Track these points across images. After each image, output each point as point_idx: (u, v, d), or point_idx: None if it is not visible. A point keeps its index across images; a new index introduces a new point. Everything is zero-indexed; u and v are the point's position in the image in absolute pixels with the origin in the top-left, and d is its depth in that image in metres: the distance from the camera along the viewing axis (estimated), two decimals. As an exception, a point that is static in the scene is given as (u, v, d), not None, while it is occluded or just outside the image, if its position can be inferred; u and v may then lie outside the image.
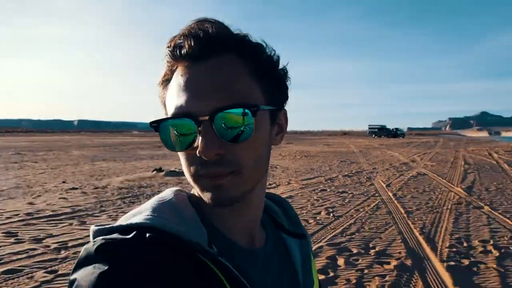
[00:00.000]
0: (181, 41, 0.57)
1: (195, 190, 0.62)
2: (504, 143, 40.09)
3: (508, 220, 6.60)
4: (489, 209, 7.55)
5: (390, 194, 9.00)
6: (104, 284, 0.48)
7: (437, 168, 14.51)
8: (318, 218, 6.72)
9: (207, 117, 0.54)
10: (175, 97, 0.57)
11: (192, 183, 0.59)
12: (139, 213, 0.59)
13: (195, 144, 0.56)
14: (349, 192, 9.34)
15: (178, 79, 0.58)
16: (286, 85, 0.65)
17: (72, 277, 0.51)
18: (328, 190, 9.61)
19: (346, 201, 8.25)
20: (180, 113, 0.56)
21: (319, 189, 9.68)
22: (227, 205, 0.58)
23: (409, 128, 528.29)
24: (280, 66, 0.63)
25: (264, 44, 0.61)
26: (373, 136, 57.46)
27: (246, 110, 0.55)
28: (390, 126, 52.54)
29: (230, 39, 0.58)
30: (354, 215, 6.92)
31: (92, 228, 0.59)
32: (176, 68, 0.59)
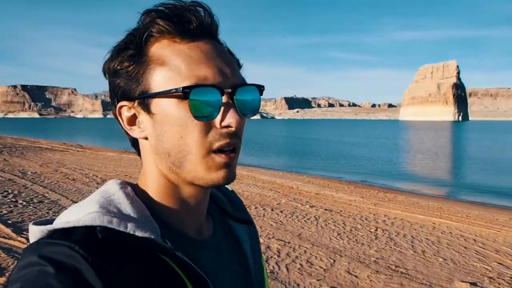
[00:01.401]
0: (187, 16, 0.57)
1: (155, 176, 0.61)
2: None
3: None
4: None
5: None
6: None
7: None
8: None
9: (230, 90, 0.57)
10: (190, 69, 0.56)
11: (190, 157, 0.57)
12: (83, 210, 0.54)
13: (217, 116, 0.56)
14: None
15: (185, 52, 0.57)
16: None
17: (13, 285, 0.46)
18: None
19: None
20: (206, 84, 0.56)
21: None
22: (230, 183, 0.59)
23: None
24: None
25: None
26: None
27: (257, 90, 0.61)
28: None
29: (218, 25, 0.62)
30: None
31: (33, 227, 0.54)
32: (156, 42, 0.58)
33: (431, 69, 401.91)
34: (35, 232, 0.53)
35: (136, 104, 0.58)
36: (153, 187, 0.61)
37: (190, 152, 0.56)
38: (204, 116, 0.55)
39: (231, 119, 0.56)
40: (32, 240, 0.53)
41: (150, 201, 0.61)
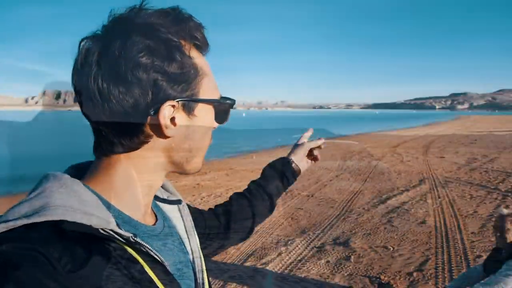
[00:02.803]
0: (202, 34, 0.65)
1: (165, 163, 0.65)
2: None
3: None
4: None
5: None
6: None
7: None
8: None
9: None
10: (214, 83, 0.67)
11: (201, 153, 0.68)
12: (34, 205, 0.53)
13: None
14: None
15: (209, 67, 0.67)
16: None
17: None
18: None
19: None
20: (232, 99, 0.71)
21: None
22: None
23: None
24: None
25: None
26: None
27: None
28: None
29: None
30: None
31: None
32: (191, 50, 0.63)
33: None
34: None
35: (179, 104, 0.61)
36: (119, 180, 0.62)
37: (202, 149, 0.68)
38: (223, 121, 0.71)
39: (217, 124, 0.70)
40: None
41: (105, 193, 0.61)
